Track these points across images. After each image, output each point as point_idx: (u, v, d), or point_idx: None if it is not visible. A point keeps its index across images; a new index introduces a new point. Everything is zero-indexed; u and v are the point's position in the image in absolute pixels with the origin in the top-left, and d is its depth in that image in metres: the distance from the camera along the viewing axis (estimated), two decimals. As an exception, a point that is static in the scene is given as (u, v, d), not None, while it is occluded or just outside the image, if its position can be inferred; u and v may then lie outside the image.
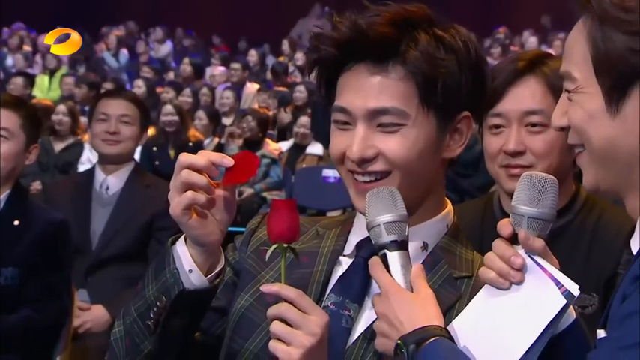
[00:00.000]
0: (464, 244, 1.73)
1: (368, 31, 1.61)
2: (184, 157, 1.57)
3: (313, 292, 1.68)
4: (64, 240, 3.42)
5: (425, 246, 1.70)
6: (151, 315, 1.62)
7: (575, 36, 1.38)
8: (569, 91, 1.39)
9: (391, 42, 1.62)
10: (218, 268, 1.65)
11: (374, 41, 1.61)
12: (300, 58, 13.07)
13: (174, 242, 1.64)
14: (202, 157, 1.57)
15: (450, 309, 1.62)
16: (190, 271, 1.61)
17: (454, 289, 1.65)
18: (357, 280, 1.67)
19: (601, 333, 1.32)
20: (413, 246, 1.64)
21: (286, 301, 1.53)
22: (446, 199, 1.77)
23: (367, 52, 1.63)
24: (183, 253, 1.62)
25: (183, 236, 1.63)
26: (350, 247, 1.73)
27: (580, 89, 1.36)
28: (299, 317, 1.51)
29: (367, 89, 1.63)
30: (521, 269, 1.48)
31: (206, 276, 1.62)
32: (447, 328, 1.50)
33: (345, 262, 1.72)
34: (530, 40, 14.49)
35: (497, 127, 2.28)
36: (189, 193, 1.56)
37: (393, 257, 1.54)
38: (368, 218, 1.57)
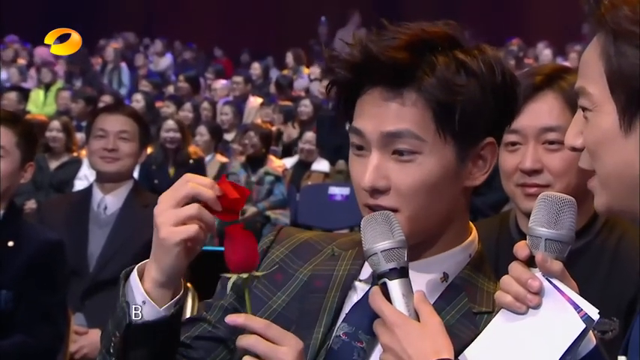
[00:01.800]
0: (487, 275, 1.65)
1: (379, 56, 1.54)
2: (192, 189, 1.51)
3: (325, 320, 1.62)
4: (59, 261, 3.34)
5: (445, 277, 1.62)
6: (111, 350, 1.58)
7: (589, 53, 1.35)
8: (584, 110, 1.35)
9: (405, 67, 1.55)
10: (177, 297, 1.57)
11: (386, 66, 1.55)
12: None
13: (128, 274, 1.57)
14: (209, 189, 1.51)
15: (467, 346, 1.53)
16: (144, 302, 1.54)
17: (472, 325, 1.58)
18: (371, 310, 1.56)
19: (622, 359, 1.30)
20: (432, 277, 1.61)
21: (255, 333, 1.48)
22: (471, 225, 1.69)
23: (380, 77, 1.57)
24: (136, 285, 1.55)
25: (136, 268, 1.56)
26: (366, 272, 1.65)
27: (596, 108, 1.32)
28: (268, 349, 1.46)
29: (381, 114, 1.58)
30: (539, 293, 1.43)
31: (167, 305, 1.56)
32: (460, 357, 1.45)
33: (360, 289, 1.65)
34: (545, 53, 14.42)
35: (514, 144, 2.21)
36: (196, 227, 1.50)
37: (394, 286, 1.48)
38: (365, 246, 1.51)
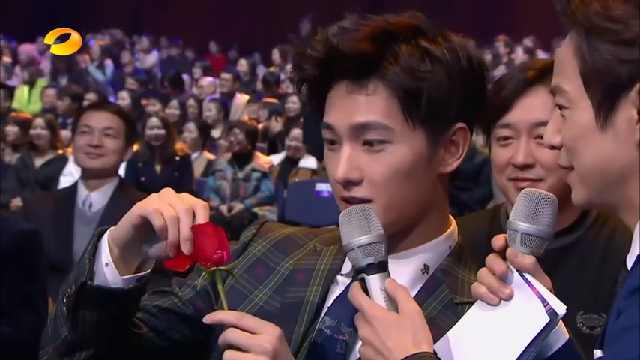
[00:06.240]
0: (467, 266, 1.67)
1: (343, 49, 1.56)
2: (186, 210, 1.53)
3: (307, 314, 1.63)
4: (34, 250, 3.26)
5: (426, 268, 1.64)
6: (64, 300, 1.59)
7: (563, 51, 1.37)
8: (561, 108, 1.36)
9: (368, 58, 1.57)
10: (144, 272, 1.59)
11: (350, 59, 1.57)
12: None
13: (102, 233, 1.59)
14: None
15: None
16: (106, 264, 1.57)
17: (454, 315, 1.58)
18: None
19: (597, 353, 1.31)
20: (413, 268, 1.63)
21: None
22: (450, 217, 1.69)
23: (345, 70, 1.58)
24: (105, 246, 1.57)
25: (109, 230, 1.58)
26: (348, 267, 1.65)
27: (573, 105, 1.34)
28: (244, 339, 1.47)
29: (348, 107, 1.60)
30: (510, 284, 1.47)
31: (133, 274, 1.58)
32: (436, 345, 1.47)
33: (342, 282, 1.65)
34: (528, 48, 14.44)
35: (506, 138, 2.20)
36: (159, 218, 1.52)
37: (373, 281, 1.49)
38: (343, 242, 1.51)
